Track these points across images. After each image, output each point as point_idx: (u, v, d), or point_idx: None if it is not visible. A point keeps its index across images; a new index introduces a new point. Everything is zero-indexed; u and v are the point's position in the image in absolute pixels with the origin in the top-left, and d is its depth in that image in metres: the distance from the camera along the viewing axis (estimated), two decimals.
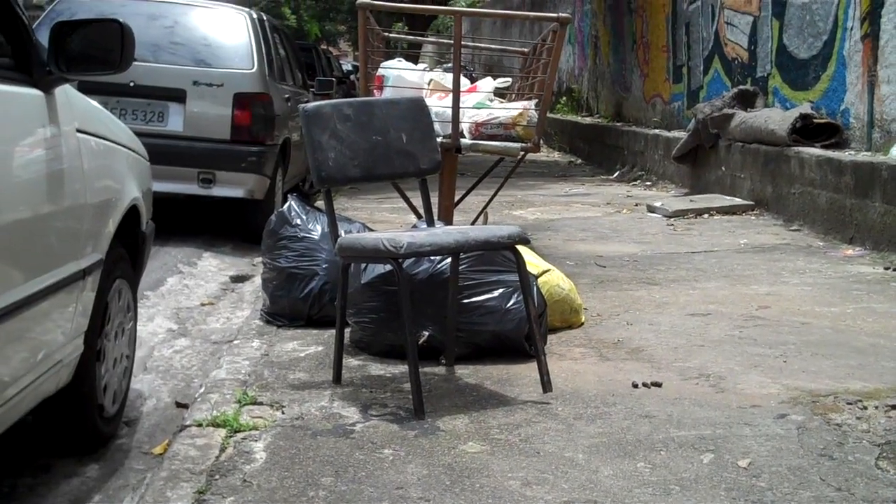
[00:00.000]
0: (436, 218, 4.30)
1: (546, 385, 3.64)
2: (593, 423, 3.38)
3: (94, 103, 3.37)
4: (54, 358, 2.85)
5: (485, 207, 6.69)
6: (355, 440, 3.22)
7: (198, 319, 5.47)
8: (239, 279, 6.68)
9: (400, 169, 4.02)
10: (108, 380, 3.44)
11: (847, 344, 4.34)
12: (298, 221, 4.93)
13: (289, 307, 4.86)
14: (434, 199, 4.44)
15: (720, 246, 7.19)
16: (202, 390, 3.90)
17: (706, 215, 8.58)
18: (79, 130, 2.94)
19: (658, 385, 3.78)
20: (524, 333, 4.21)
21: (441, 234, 3.59)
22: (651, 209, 8.98)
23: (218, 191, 7.73)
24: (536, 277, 4.50)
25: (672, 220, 8.48)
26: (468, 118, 5.77)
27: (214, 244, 7.75)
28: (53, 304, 2.68)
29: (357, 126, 3.91)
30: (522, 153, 5.78)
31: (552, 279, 4.74)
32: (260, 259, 5.65)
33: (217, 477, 2.97)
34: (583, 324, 4.85)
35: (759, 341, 4.42)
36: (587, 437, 3.24)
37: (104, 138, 3.23)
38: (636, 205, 9.63)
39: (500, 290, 4.20)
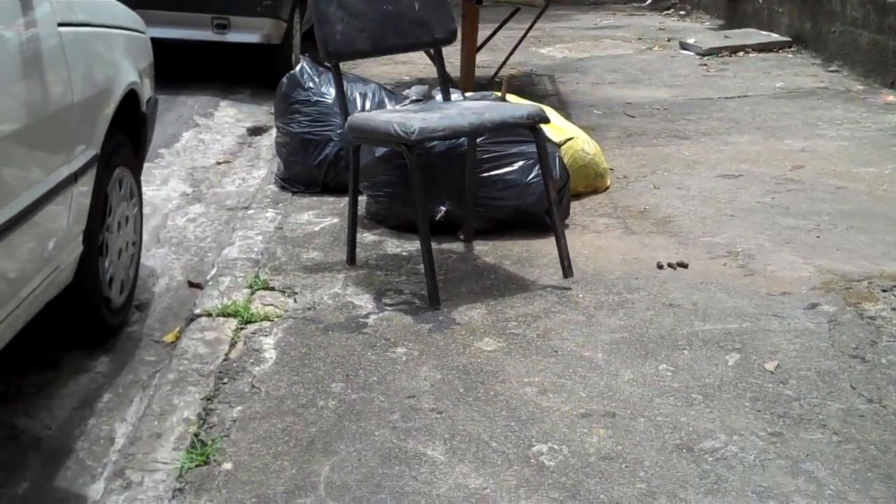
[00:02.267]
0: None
1: (567, 270, 3.50)
2: (615, 313, 3.25)
3: None
4: (50, 266, 2.73)
5: (502, 65, 6.40)
6: (368, 336, 3.12)
7: (213, 181, 5.33)
8: (256, 131, 6.49)
9: (412, 39, 3.78)
10: (114, 272, 3.33)
11: (884, 215, 4.15)
12: (311, 84, 4.71)
13: (304, 174, 4.71)
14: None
15: (755, 90, 6.90)
16: (214, 271, 3.79)
17: (741, 53, 8.22)
18: (61, 24, 2.73)
19: (684, 266, 3.63)
20: (545, 207, 4.04)
21: (455, 115, 3.39)
22: (684, 46, 8.62)
23: (233, 36, 7.44)
24: (559, 146, 4.29)
25: (705, 58, 8.15)
26: None
27: (232, 91, 7.53)
28: (42, 217, 2.54)
29: None
30: (546, 3, 5.45)
31: (576, 144, 4.54)
32: None
33: (225, 381, 2.89)
34: (608, 188, 4.67)
35: (791, 210, 4.24)
36: (608, 331, 3.12)
37: (93, 25, 3.01)
38: (668, 40, 9.26)
39: (520, 163, 4.01)
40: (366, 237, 4.04)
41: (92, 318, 3.22)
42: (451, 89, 4.14)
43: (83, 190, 2.91)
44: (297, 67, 4.85)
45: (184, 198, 5.04)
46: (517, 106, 3.49)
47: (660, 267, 3.64)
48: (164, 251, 4.29)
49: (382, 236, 4.05)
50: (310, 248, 3.92)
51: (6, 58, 2.33)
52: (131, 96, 3.45)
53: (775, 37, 8.41)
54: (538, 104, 3.53)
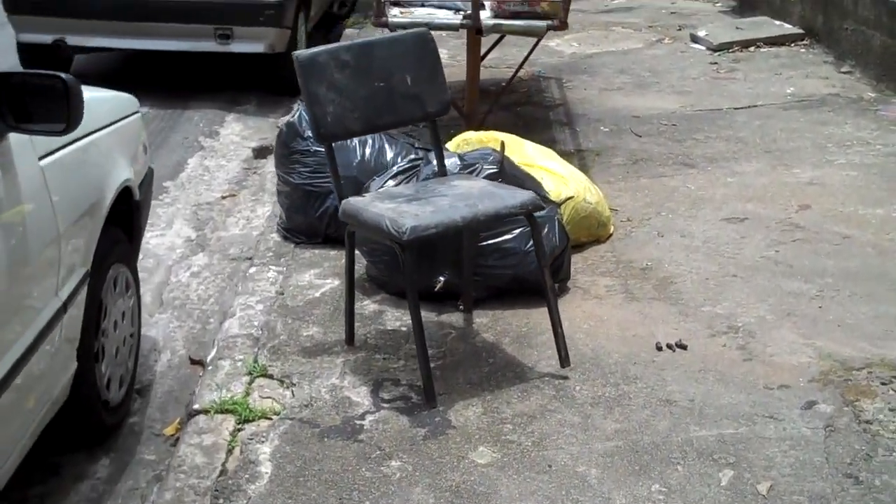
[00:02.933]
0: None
1: (563, 360, 3.49)
2: (611, 412, 3.24)
3: None
4: (41, 403, 2.75)
5: (511, 78, 6.31)
6: (363, 444, 3.12)
7: (217, 222, 5.33)
8: (261, 153, 6.44)
9: (406, 115, 3.74)
10: (112, 371, 3.34)
11: (888, 275, 4.12)
12: (310, 133, 4.67)
13: (305, 225, 4.70)
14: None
15: (765, 97, 6.80)
16: (214, 352, 3.80)
17: (752, 48, 8.08)
18: (43, 156, 2.71)
19: (683, 348, 3.61)
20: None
21: (447, 207, 3.36)
22: (694, 39, 8.48)
23: (236, 46, 7.39)
24: (559, 205, 4.25)
25: (716, 54, 8.02)
26: None
27: (238, 102, 7.49)
28: (28, 371, 2.54)
29: (357, 73, 3.60)
30: (546, 30, 5.36)
31: (578, 193, 4.49)
32: (284, 119, 5.45)
33: (221, 501, 2.90)
34: (611, 235, 4.63)
35: (795, 269, 4.20)
36: (603, 437, 3.11)
37: (81, 137, 2.98)
38: (679, 28, 9.11)
39: (519, 231, 3.98)
40: (366, 306, 4.03)
41: (89, 423, 3.25)
42: (447, 153, 4.11)
43: (74, 313, 2.91)
44: (296, 115, 4.80)
45: (188, 245, 5.04)
46: (512, 193, 3.45)
47: (658, 349, 3.62)
48: (167, 317, 4.30)
49: (383, 305, 4.04)
50: (309, 323, 3.92)
51: None
52: (125, 190, 3.43)
53: (787, 28, 8.26)
54: (530, 192, 3.48)
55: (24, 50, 7.57)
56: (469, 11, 5.28)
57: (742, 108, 6.58)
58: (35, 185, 2.62)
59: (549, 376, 3.47)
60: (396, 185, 4.18)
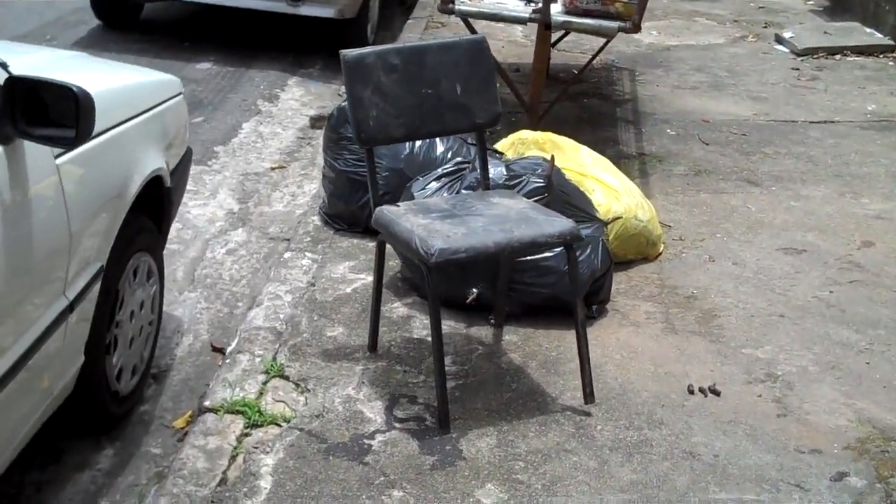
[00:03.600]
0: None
1: (588, 397, 3.34)
2: (629, 460, 3.10)
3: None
4: (43, 398, 2.69)
5: (582, 69, 6.09)
6: (368, 468, 3.02)
7: (262, 195, 5.24)
8: (318, 122, 6.33)
9: (452, 125, 3.59)
10: (124, 362, 3.27)
11: None
12: None
13: (346, 213, 4.60)
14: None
15: (843, 112, 6.52)
16: (235, 343, 3.73)
17: (838, 56, 7.75)
18: (60, 154, 2.61)
19: (716, 394, 3.45)
20: (583, 296, 3.86)
21: (481, 230, 3.21)
22: (779, 40, 8.16)
23: (306, 9, 7.27)
24: (606, 225, 4.08)
25: (799, 59, 7.71)
26: None
27: (302, 65, 7.38)
28: (30, 365, 2.47)
29: (405, 78, 3.46)
30: (618, 32, 5.15)
31: (629, 210, 4.31)
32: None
33: None
34: (661, 254, 4.46)
35: (847, 315, 3.99)
36: (617, 488, 2.97)
37: (106, 130, 2.89)
38: (765, 26, 8.79)
39: (560, 248, 3.81)
40: (395, 309, 3.93)
41: (94, 413, 3.19)
42: (493, 160, 3.96)
43: (84, 309, 2.83)
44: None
45: (229, 218, 4.96)
46: (551, 220, 3.29)
47: (690, 392, 3.46)
48: (195, 296, 4.23)
49: (412, 309, 3.93)
50: (335, 322, 3.82)
51: None
52: (155, 178, 3.35)
53: (878, 37, 7.91)
54: (570, 221, 3.32)
55: None
56: (540, 5, 5.08)
57: (818, 122, 6.31)
58: (48, 186, 2.54)
59: (572, 411, 3.33)
60: (440, 188, 4.05)
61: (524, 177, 3.90)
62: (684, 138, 5.96)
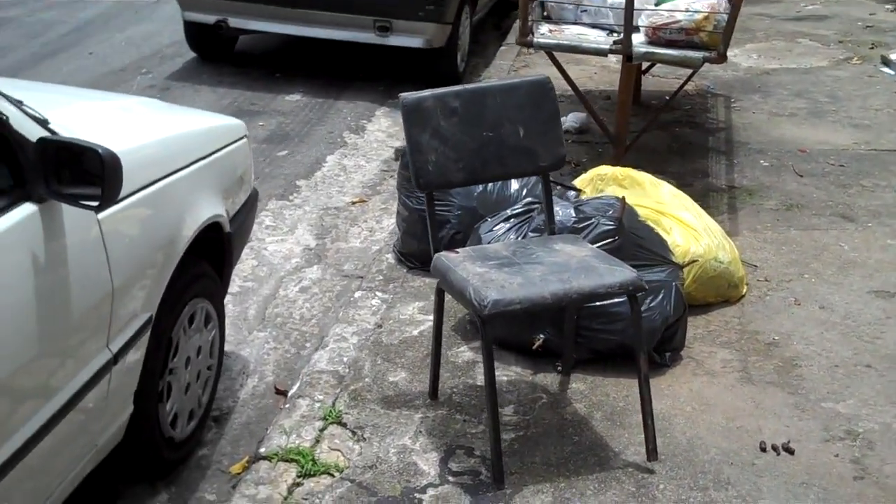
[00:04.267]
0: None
1: (651, 454, 3.20)
2: None
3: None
4: (85, 451, 2.68)
5: (674, 95, 5.92)
6: None
7: (340, 231, 5.21)
8: (402, 153, 6.29)
9: (515, 169, 3.50)
10: (180, 407, 3.26)
11: None
12: None
13: (418, 252, 4.54)
14: None
15: None
16: (296, 387, 3.69)
17: None
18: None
19: (790, 452, 3.26)
20: (654, 344, 3.73)
21: (538, 279, 3.11)
22: (885, 62, 7.83)
23: (395, 40, 7.27)
24: (681, 268, 3.93)
25: None
26: (646, 18, 5.00)
27: (391, 95, 7.36)
28: (71, 417, 2.47)
29: (465, 121, 3.38)
30: (702, 63, 4.98)
31: (708, 252, 4.15)
32: None
33: None
34: (744, 296, 4.27)
35: None
36: None
37: (151, 183, 2.88)
38: (872, 47, 8.44)
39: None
40: (461, 353, 3.85)
41: (148, 459, 3.18)
42: (562, 202, 3.85)
43: (131, 359, 2.82)
44: None
45: (305, 254, 4.95)
46: (612, 270, 3.16)
47: (763, 449, 3.28)
48: (264, 336, 4.21)
49: (478, 354, 3.83)
50: (398, 367, 3.75)
51: (25, 281, 2.21)
52: (214, 224, 3.34)
53: None
54: (633, 270, 3.19)
55: (189, 28, 7.68)
56: (621, 36, 4.95)
57: None
58: (88, 242, 2.53)
59: (634, 468, 3.19)
60: (508, 229, 3.96)
61: (594, 219, 3.77)
62: (778, 170, 5.74)
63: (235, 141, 3.58)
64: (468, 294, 3.06)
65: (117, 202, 2.68)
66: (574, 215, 3.79)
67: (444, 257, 3.31)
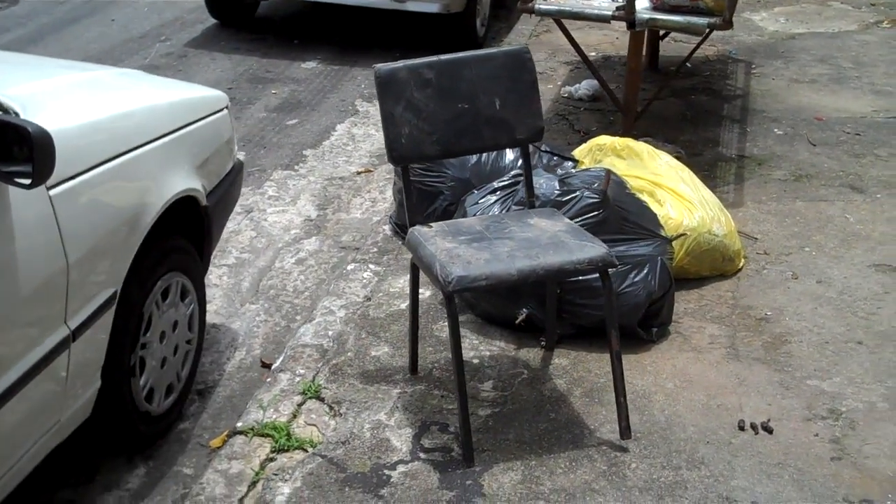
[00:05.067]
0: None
1: (623, 432, 3.16)
2: (659, 503, 2.90)
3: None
4: (44, 426, 2.69)
5: (686, 59, 5.81)
6: (382, 501, 2.93)
7: (343, 201, 5.19)
8: None
9: (490, 141, 3.44)
10: (156, 381, 3.27)
11: None
12: None
13: (413, 224, 4.48)
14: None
15: None
16: (279, 361, 3.69)
17: None
18: (58, 184, 2.60)
19: (769, 431, 3.21)
20: (638, 318, 3.68)
21: (506, 255, 3.07)
22: None
23: (412, 5, 7.20)
24: (670, 241, 3.86)
25: None
26: None
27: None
28: (25, 394, 2.48)
29: (439, 93, 3.33)
30: (708, 31, 4.87)
31: (702, 224, 4.08)
32: None
33: None
34: (740, 269, 4.19)
35: None
36: None
37: (114, 157, 2.87)
38: None
39: (612, 270, 3.61)
40: (446, 327, 3.81)
41: (122, 434, 3.20)
42: (546, 175, 3.80)
43: (94, 336, 2.83)
44: None
45: (305, 225, 4.93)
46: (582, 246, 3.11)
47: (741, 428, 3.23)
48: (256, 309, 4.22)
49: (464, 328, 3.81)
50: (382, 341, 3.74)
51: None
52: (189, 199, 3.33)
53: None
54: (604, 246, 3.13)
55: None
56: (623, 2, 4.85)
57: None
58: (38, 219, 2.52)
59: (608, 446, 3.15)
60: (495, 201, 3.91)
61: (578, 192, 3.72)
62: (791, 138, 5.62)
63: (214, 113, 3.56)
64: (435, 270, 3.03)
65: (73, 177, 2.67)
66: (558, 188, 3.74)
67: (417, 231, 3.28)
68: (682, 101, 6.28)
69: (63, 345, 2.67)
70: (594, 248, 3.08)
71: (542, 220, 3.32)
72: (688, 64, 6.64)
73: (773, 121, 5.90)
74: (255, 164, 5.52)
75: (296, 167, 5.57)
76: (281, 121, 6.18)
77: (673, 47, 7.10)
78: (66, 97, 3.02)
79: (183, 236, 3.41)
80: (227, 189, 3.71)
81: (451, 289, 2.95)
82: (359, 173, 5.55)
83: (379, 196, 5.26)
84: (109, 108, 3.03)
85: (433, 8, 7.18)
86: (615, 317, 3.13)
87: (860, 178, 5.08)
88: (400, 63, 3.33)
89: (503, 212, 3.78)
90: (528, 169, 3.50)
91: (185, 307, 3.43)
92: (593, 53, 7.25)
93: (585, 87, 6.32)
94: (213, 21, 8.04)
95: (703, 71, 6.83)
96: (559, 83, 6.65)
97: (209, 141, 3.51)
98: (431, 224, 3.34)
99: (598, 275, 3.50)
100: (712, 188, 4.60)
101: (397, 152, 3.30)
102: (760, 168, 5.24)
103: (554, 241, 3.12)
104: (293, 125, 6.13)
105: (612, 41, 7.50)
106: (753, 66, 6.92)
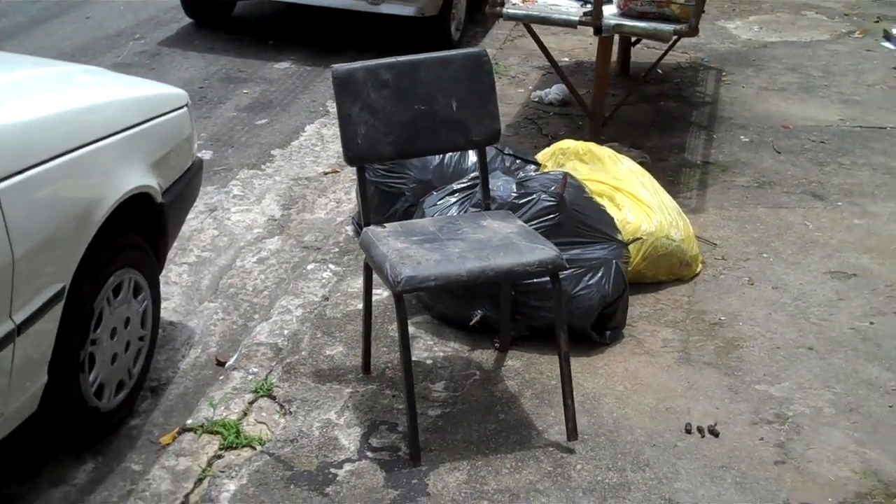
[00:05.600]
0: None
1: (570, 433, 3.18)
2: None
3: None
4: None
5: (653, 66, 5.84)
6: (327, 499, 2.94)
7: (308, 201, 5.20)
8: None
9: (447, 143, 3.46)
10: (106, 377, 3.27)
11: None
12: None
13: (374, 224, 4.49)
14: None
15: None
16: (233, 359, 3.70)
17: None
18: (4, 178, 2.61)
19: (715, 434, 3.23)
20: (591, 321, 3.70)
21: (456, 255, 3.09)
22: (887, 36, 7.69)
23: (386, 7, 7.22)
24: (626, 245, 3.88)
25: None
26: None
27: None
28: None
29: (396, 94, 3.34)
30: (675, 37, 4.90)
31: (660, 229, 4.10)
32: None
33: None
34: (697, 275, 4.22)
35: (881, 350, 3.71)
36: None
37: (63, 153, 2.88)
38: (877, 20, 8.29)
39: (569, 272, 3.64)
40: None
41: (70, 430, 3.19)
42: (504, 177, 3.82)
43: (40, 330, 2.83)
44: None
45: (268, 225, 4.94)
46: (532, 248, 3.13)
47: (688, 431, 3.25)
48: (214, 307, 4.22)
49: (419, 329, 3.82)
50: (336, 341, 3.75)
51: None
52: (144, 196, 3.33)
53: None
54: (555, 249, 3.15)
55: None
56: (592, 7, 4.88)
57: None
58: None
59: (555, 447, 3.17)
60: (454, 202, 3.93)
61: (535, 195, 3.74)
62: (757, 146, 5.66)
63: (172, 111, 3.57)
64: (385, 270, 3.04)
65: (21, 172, 2.68)
66: (515, 191, 3.76)
67: (371, 232, 3.29)
68: (652, 106, 6.31)
69: (7, 339, 2.68)
70: (544, 251, 3.10)
71: (495, 221, 3.34)
72: (659, 70, 6.69)
73: (740, 128, 5.94)
74: (221, 163, 5.52)
75: (262, 167, 5.58)
76: (251, 120, 6.19)
77: (645, 53, 7.14)
78: (22, 92, 3.03)
79: (138, 233, 3.41)
80: (184, 187, 3.71)
81: (400, 289, 2.97)
82: (325, 174, 5.56)
83: (344, 196, 5.27)
84: (64, 103, 3.04)
85: (408, 11, 7.20)
86: (564, 319, 3.15)
87: (822, 185, 5.12)
88: (358, 64, 3.35)
89: (461, 213, 3.79)
90: (484, 171, 3.52)
91: (139, 304, 3.44)
92: (566, 59, 7.29)
93: (555, 91, 6.34)
94: (188, 20, 8.04)
95: (674, 78, 6.86)
96: (530, 87, 6.67)
97: (167, 138, 3.52)
98: (385, 224, 3.35)
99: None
100: (675, 194, 4.64)
101: (353, 152, 3.32)
102: (724, 174, 5.28)
103: (505, 243, 3.14)
104: (263, 125, 6.13)
105: (586, 47, 7.53)
106: (724, 73, 6.97)
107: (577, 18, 4.93)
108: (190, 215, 4.20)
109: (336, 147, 5.91)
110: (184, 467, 3.12)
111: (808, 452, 3.15)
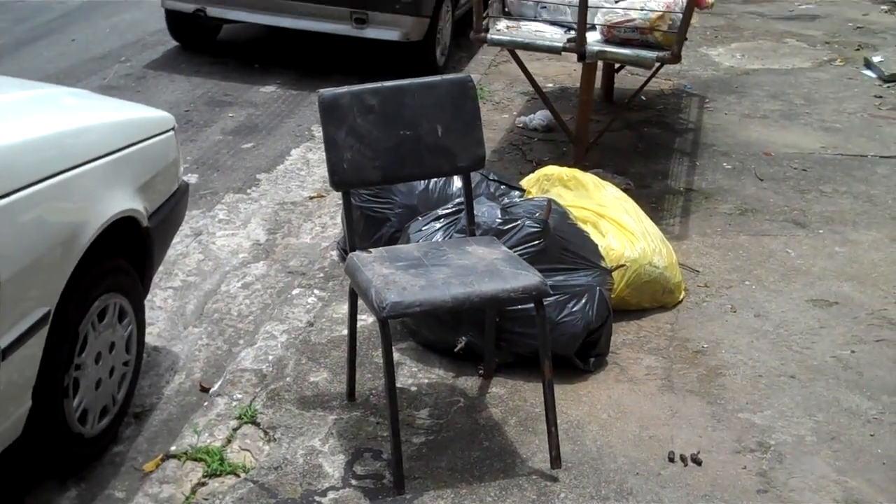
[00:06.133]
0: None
1: (554, 461, 3.19)
2: None
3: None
4: None
5: (637, 92, 5.88)
6: None
7: (293, 225, 5.21)
8: None
9: (432, 168, 3.47)
10: (90, 403, 3.26)
11: None
12: None
13: (359, 249, 4.50)
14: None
15: None
16: (218, 385, 3.69)
17: None
18: None
19: (698, 463, 3.24)
20: (575, 348, 3.71)
21: (441, 282, 3.09)
22: (867, 64, 7.76)
23: (371, 32, 7.26)
24: (610, 272, 3.90)
25: (886, 86, 7.30)
26: (602, 16, 4.97)
27: None
28: None
29: (382, 119, 3.36)
30: (658, 64, 4.94)
31: (643, 256, 4.12)
32: None
33: None
34: (680, 302, 4.24)
35: (863, 378, 3.73)
36: None
37: (47, 178, 2.88)
38: (858, 48, 8.37)
39: (552, 298, 3.66)
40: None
41: (53, 455, 3.18)
42: (489, 203, 3.84)
43: (24, 355, 2.82)
44: None
45: (253, 250, 4.94)
46: (517, 274, 3.14)
47: (671, 459, 3.26)
48: (199, 332, 4.21)
49: (404, 356, 3.82)
50: (321, 367, 3.75)
51: None
52: (129, 220, 3.33)
53: None
54: (539, 275, 3.16)
55: (170, 16, 7.69)
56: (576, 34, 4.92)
57: (889, 157, 5.96)
58: None
59: (538, 475, 3.18)
60: (438, 228, 3.94)
61: (520, 221, 3.76)
62: (739, 172, 5.70)
63: (158, 134, 3.57)
64: (370, 295, 3.05)
65: (4, 196, 2.68)
66: (500, 217, 3.77)
67: (356, 257, 3.30)
68: (635, 133, 6.35)
69: None
70: (529, 277, 3.12)
71: (479, 247, 3.35)
72: (642, 97, 6.73)
73: (722, 155, 5.98)
74: (207, 187, 5.52)
75: (248, 191, 5.59)
76: (236, 144, 6.20)
77: (629, 80, 7.18)
78: (7, 115, 3.03)
79: (124, 257, 3.41)
80: (170, 211, 3.72)
81: (385, 314, 2.97)
82: (311, 198, 5.57)
83: (329, 221, 5.28)
84: (49, 126, 3.04)
85: (393, 35, 7.24)
86: (549, 346, 3.16)
87: (804, 213, 5.16)
88: (344, 89, 3.37)
89: (446, 239, 3.81)
90: (468, 197, 3.54)
91: (123, 329, 3.43)
92: (551, 85, 7.33)
93: (540, 117, 6.38)
94: (174, 43, 8.06)
95: (658, 104, 6.91)
96: (515, 113, 6.71)
97: (152, 162, 3.52)
98: (371, 250, 3.36)
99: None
100: (658, 220, 4.67)
101: (338, 177, 3.33)
102: (707, 201, 5.31)
103: (490, 269, 3.16)
104: (248, 149, 6.14)
105: (570, 73, 7.58)
106: (707, 100, 7.02)
107: (561, 45, 4.97)
108: (175, 239, 4.19)
109: (321, 171, 5.92)
110: (167, 495, 3.11)
111: (791, 481, 3.17)
